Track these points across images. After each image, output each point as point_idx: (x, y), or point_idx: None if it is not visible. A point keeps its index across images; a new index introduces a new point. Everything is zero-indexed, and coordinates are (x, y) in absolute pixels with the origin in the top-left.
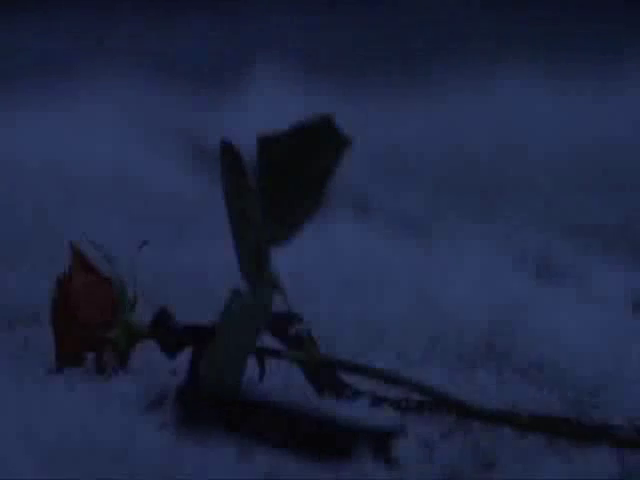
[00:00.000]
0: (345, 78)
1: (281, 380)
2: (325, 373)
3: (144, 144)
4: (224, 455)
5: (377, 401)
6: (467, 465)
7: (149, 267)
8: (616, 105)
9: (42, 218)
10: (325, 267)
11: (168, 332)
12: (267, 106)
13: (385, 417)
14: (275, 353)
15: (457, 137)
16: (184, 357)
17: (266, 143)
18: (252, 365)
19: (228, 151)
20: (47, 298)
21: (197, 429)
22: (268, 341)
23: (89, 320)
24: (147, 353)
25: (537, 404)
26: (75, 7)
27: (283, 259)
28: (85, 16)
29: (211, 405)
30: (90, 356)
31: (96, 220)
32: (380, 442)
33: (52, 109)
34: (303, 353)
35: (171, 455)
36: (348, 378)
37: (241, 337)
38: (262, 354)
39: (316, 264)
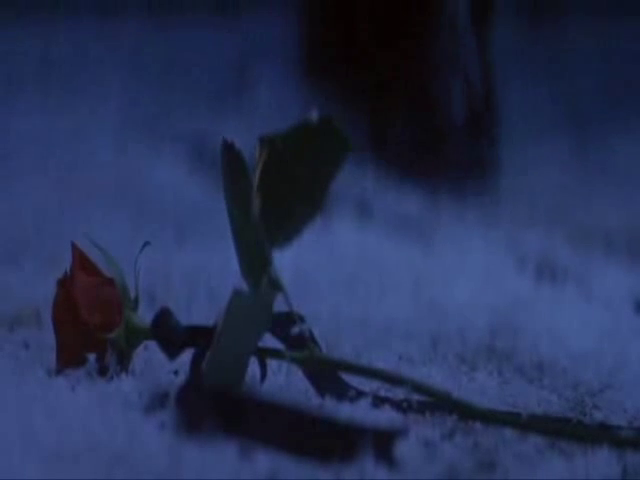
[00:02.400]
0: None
1: (282, 380)
2: (326, 374)
3: (145, 145)
4: (225, 455)
5: (378, 402)
6: (468, 465)
7: (150, 268)
8: None
9: (42, 218)
10: (326, 268)
11: (169, 333)
12: (267, 108)
13: (386, 417)
14: (276, 353)
15: None
16: (185, 358)
17: (267, 143)
18: (253, 365)
19: (229, 151)
20: (49, 299)
21: (198, 429)
22: (269, 341)
23: (91, 321)
24: (149, 354)
25: (538, 405)
26: (75, 10)
27: (284, 259)
28: (85, 19)
29: (212, 405)
30: (92, 357)
31: (97, 221)
32: (381, 442)
33: (53, 111)
34: (304, 354)
35: (172, 455)
36: (349, 379)
37: (243, 338)
38: (263, 355)
39: (317, 265)
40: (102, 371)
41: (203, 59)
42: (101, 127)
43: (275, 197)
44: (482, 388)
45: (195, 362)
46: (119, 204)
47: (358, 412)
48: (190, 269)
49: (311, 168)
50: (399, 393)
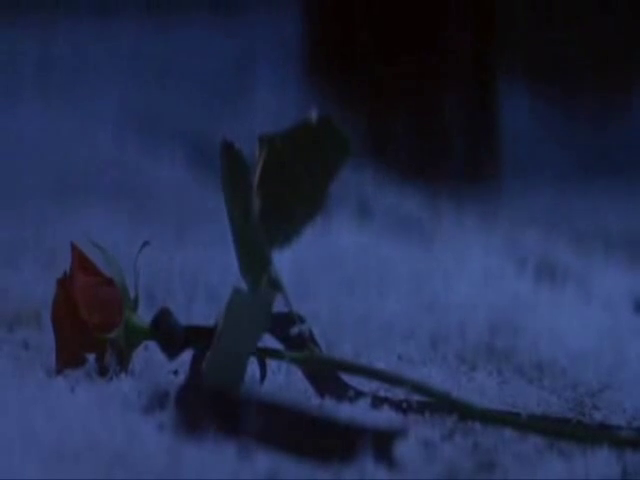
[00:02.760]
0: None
1: (282, 380)
2: (326, 374)
3: (145, 145)
4: (224, 455)
5: (378, 402)
6: (468, 466)
7: (150, 268)
8: None
9: (42, 218)
10: (326, 268)
11: (169, 333)
12: (267, 108)
13: (386, 418)
14: (276, 354)
15: None
16: (185, 358)
17: (267, 143)
18: (253, 365)
19: (228, 151)
20: (48, 299)
21: (197, 429)
22: (269, 342)
23: (90, 321)
24: (148, 354)
25: (537, 405)
26: (75, 10)
27: (284, 259)
28: (85, 19)
29: (211, 405)
30: (91, 357)
31: (97, 220)
32: (381, 443)
33: (52, 111)
34: (304, 354)
35: (171, 455)
36: (349, 379)
37: (242, 338)
38: (263, 355)
39: (317, 264)
40: (102, 371)
41: (202, 59)
42: (100, 127)
43: (275, 197)
44: (481, 388)
45: (195, 362)
46: (118, 204)
47: (358, 412)
48: (190, 268)
49: (311, 168)
50: (399, 393)
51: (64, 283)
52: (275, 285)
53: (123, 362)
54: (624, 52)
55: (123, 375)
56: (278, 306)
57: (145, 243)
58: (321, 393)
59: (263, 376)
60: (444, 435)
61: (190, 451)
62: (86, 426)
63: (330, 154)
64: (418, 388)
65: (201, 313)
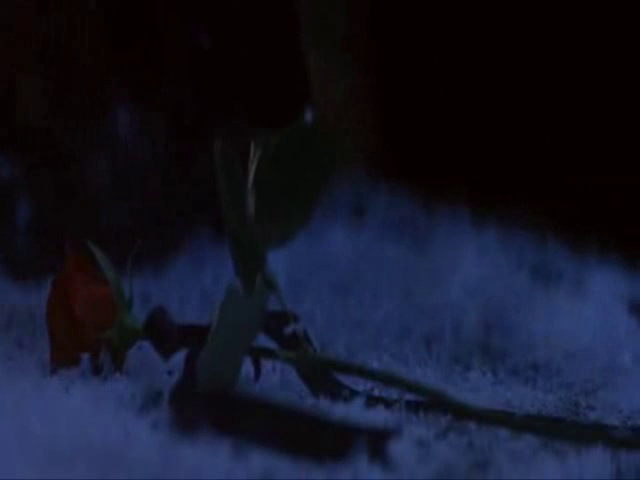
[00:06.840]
0: None
1: (276, 380)
2: (320, 373)
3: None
4: (219, 455)
5: (372, 401)
6: (462, 465)
7: (147, 267)
8: None
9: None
10: (321, 267)
11: (163, 332)
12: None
13: (380, 417)
14: (270, 353)
15: None
16: (180, 357)
17: (262, 144)
18: (248, 365)
19: (224, 152)
20: (43, 298)
21: (192, 429)
22: (263, 341)
23: (85, 320)
24: (143, 353)
25: (532, 404)
26: None
27: (279, 260)
28: None
29: (206, 405)
30: (85, 357)
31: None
32: (375, 442)
33: None
34: (298, 353)
35: (166, 455)
36: (343, 378)
37: (237, 337)
38: (257, 354)
39: (312, 264)
40: (96, 371)
41: None
42: None
43: (270, 198)
44: (476, 388)
45: (189, 362)
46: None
47: (352, 412)
48: (187, 268)
49: (305, 169)
50: (393, 393)
51: (59, 282)
52: (270, 285)
53: (117, 362)
54: None
55: (117, 375)
56: (273, 306)
57: (139, 243)
58: (315, 393)
59: (257, 375)
60: (438, 434)
61: (184, 451)
62: (80, 426)
63: (325, 155)
64: (412, 387)
65: (197, 312)
